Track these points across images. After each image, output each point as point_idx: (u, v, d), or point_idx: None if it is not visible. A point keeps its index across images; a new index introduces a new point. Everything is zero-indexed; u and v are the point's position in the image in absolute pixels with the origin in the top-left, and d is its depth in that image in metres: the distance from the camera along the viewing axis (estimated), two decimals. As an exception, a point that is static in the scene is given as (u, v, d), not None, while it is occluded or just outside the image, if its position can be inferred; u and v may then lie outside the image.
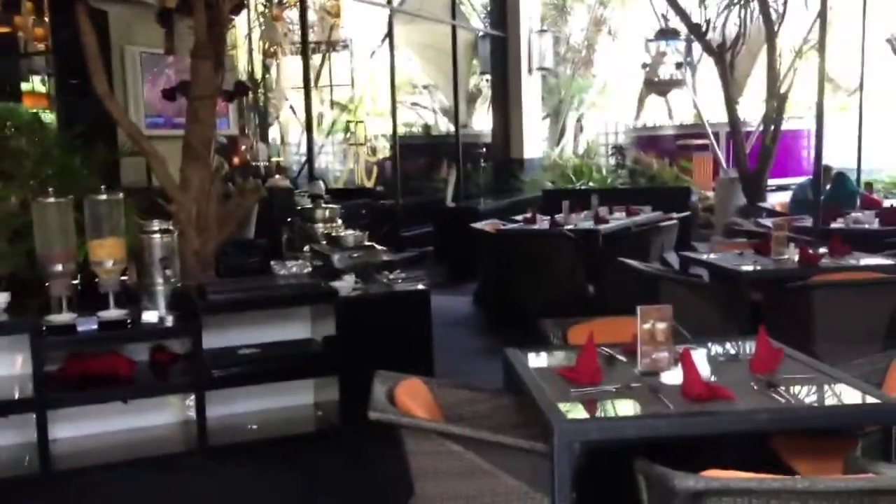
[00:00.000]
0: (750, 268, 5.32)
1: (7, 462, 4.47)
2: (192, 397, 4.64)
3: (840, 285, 4.90)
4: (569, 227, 8.01)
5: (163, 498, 4.16)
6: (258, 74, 13.30)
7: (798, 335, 4.89)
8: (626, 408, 2.68)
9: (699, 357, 2.87)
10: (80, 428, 4.74)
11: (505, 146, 13.01)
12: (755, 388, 2.78)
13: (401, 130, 15.53)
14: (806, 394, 2.75)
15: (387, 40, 11.51)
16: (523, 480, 2.69)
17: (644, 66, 12.39)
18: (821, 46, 6.51)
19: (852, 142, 14.88)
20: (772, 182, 12.04)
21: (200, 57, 4.89)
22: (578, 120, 17.38)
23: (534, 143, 13.31)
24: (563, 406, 2.64)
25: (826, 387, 2.81)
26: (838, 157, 14.60)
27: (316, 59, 14.66)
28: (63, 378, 4.53)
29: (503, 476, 2.69)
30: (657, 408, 2.63)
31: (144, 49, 7.77)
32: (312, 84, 14.82)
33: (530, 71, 12.84)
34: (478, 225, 8.50)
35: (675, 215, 8.95)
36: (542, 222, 8.36)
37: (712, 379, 2.82)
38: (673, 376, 2.85)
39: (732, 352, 3.23)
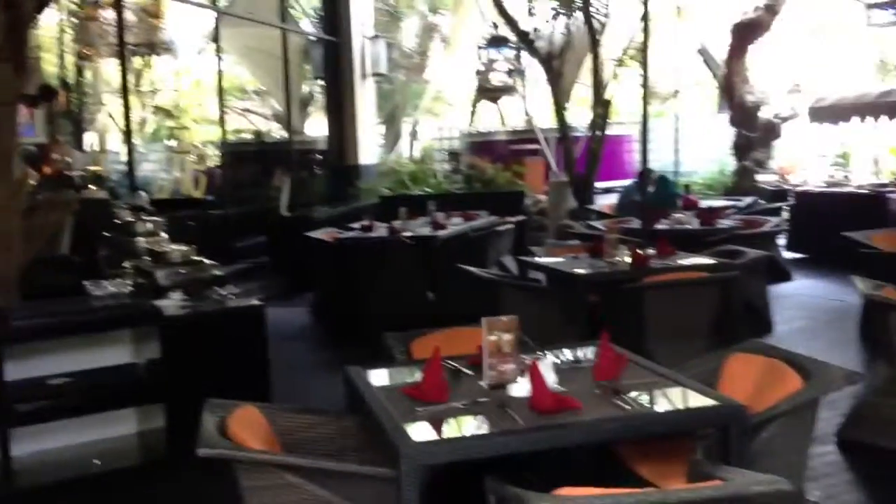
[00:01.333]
0: (586, 271, 5.40)
1: None
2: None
3: (669, 285, 5.06)
4: (407, 233, 7.92)
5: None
6: (71, 78, 12.38)
7: (631, 335, 5.01)
8: (475, 426, 2.57)
9: (545, 367, 2.81)
10: None
11: (340, 153, 12.79)
12: (600, 395, 2.75)
13: (231, 137, 14.96)
14: (649, 399, 2.75)
15: (213, 44, 11.01)
16: (370, 509, 2.53)
17: (476, 72, 12.54)
18: (643, 56, 6.75)
19: (669, 146, 15.78)
20: (599, 185, 12.50)
21: (-1, 60, 4.39)
22: (413, 126, 17.41)
23: (369, 149, 13.17)
24: (409, 427, 2.50)
25: (667, 391, 2.82)
26: (657, 160, 15.43)
27: (137, 63, 13.86)
28: None
29: (348, 506, 2.52)
30: (507, 423, 2.54)
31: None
32: (133, 88, 14.01)
33: (364, 77, 12.69)
34: (314, 234, 8.26)
35: (510, 219, 9.07)
36: (380, 229, 8.22)
37: (559, 388, 2.77)
38: (520, 388, 2.78)
39: (577, 358, 3.20)
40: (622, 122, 15.47)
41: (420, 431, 2.48)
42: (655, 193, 9.30)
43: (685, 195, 9.78)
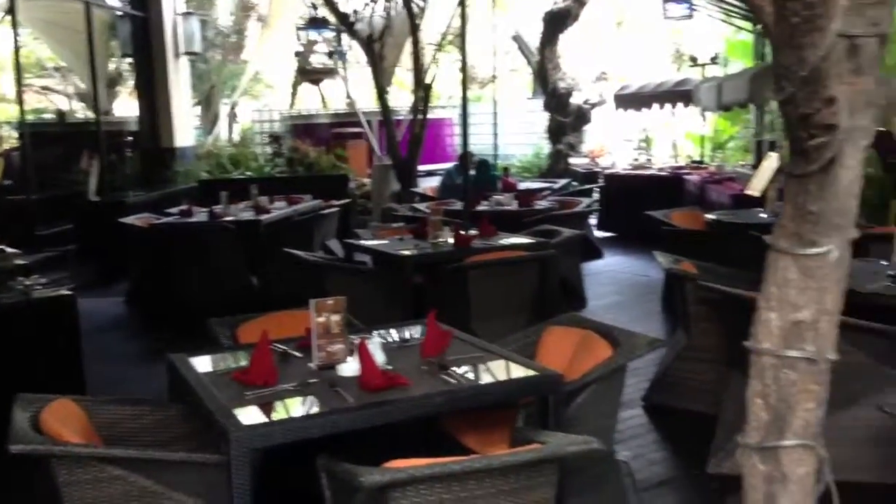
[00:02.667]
0: (410, 252, 5.50)
1: None
2: None
3: (491, 264, 5.25)
4: (229, 218, 7.72)
5: None
6: None
7: (457, 314, 5.18)
8: (306, 406, 2.58)
9: (374, 346, 2.86)
10: None
11: (153, 134, 12.19)
12: (428, 372, 2.84)
13: (30, 117, 13.89)
14: (473, 373, 2.87)
15: (9, 16, 10.17)
16: (199, 496, 2.49)
17: (296, 54, 12.33)
18: (462, 41, 6.91)
19: (488, 129, 16.25)
20: (422, 168, 12.68)
21: None
22: (232, 107, 16.90)
23: (185, 131, 12.64)
24: (237, 411, 2.48)
25: (490, 364, 2.95)
26: (476, 143, 15.86)
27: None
28: None
29: (176, 496, 2.47)
30: (337, 403, 2.57)
31: None
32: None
33: (176, 55, 12.15)
34: (128, 220, 7.88)
35: (335, 203, 9.04)
36: (200, 214, 7.96)
37: (388, 367, 2.84)
38: (350, 368, 2.82)
39: (404, 337, 3.27)
40: (444, 106, 15.76)
41: (249, 415, 2.47)
42: (476, 176, 9.58)
43: (504, 178, 10.12)
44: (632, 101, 11.71)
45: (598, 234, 10.77)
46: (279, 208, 8.42)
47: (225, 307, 4.28)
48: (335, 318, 2.90)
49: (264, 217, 7.82)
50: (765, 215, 6.62)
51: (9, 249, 4.82)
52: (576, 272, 7.38)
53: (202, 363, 3.02)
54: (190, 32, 11.98)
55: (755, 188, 7.59)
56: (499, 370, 2.90)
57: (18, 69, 10.11)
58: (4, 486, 3.59)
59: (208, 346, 3.43)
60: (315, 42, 12.24)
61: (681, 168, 11.47)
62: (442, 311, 5.19)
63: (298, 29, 12.44)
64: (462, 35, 6.92)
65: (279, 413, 2.52)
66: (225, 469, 2.34)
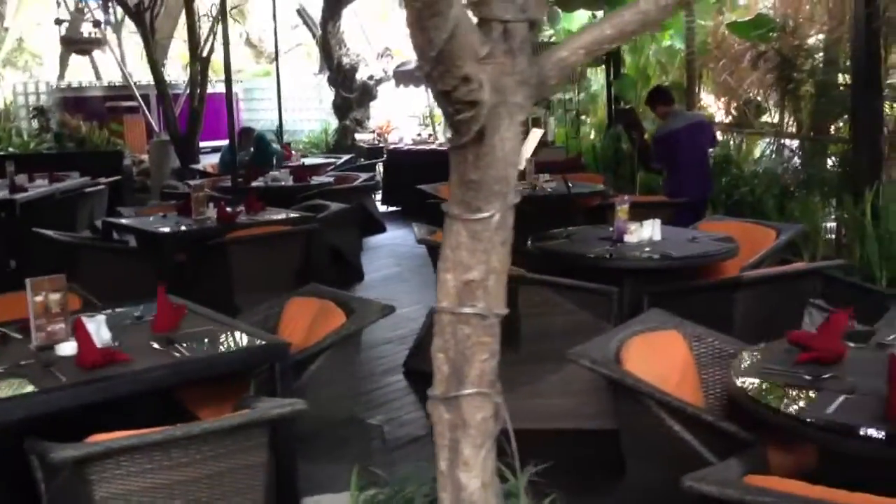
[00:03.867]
0: (171, 229, 5.38)
1: None
2: None
3: (251, 240, 5.25)
4: (-21, 197, 7.18)
5: None
6: None
7: (220, 290, 5.16)
8: (14, 388, 2.50)
9: (97, 323, 2.82)
10: None
11: None
12: (155, 347, 2.83)
13: None
14: (203, 345, 2.89)
15: None
16: None
17: (58, 21, 11.56)
18: (222, 14, 6.79)
19: (275, 104, 16.02)
20: (206, 144, 12.33)
21: None
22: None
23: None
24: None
25: (222, 336, 2.98)
26: (263, 119, 15.60)
27: None
28: None
29: None
30: (49, 382, 2.51)
31: None
32: None
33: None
34: None
35: (102, 180, 8.63)
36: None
37: (114, 344, 2.80)
38: (70, 347, 2.75)
39: (137, 315, 3.23)
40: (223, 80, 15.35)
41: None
42: (256, 152, 9.46)
43: (285, 154, 10.06)
44: (410, 77, 11.95)
45: (382, 208, 10.97)
46: (38, 186, 7.93)
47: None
48: (54, 296, 2.82)
49: (20, 196, 7.34)
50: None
51: None
52: (353, 246, 7.50)
53: None
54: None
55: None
56: (230, 341, 2.94)
57: None
58: None
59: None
60: (82, 11, 11.52)
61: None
62: (204, 286, 5.17)
63: (58, -4, 11.69)
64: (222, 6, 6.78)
65: (-15, 396, 2.43)
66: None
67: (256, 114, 16.36)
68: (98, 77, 15.22)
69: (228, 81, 7.12)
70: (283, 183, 8.10)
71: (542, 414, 3.82)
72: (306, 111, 16.52)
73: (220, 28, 7.12)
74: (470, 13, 1.74)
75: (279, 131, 11.77)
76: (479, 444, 2.08)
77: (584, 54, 1.92)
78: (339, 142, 13.42)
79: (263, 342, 2.86)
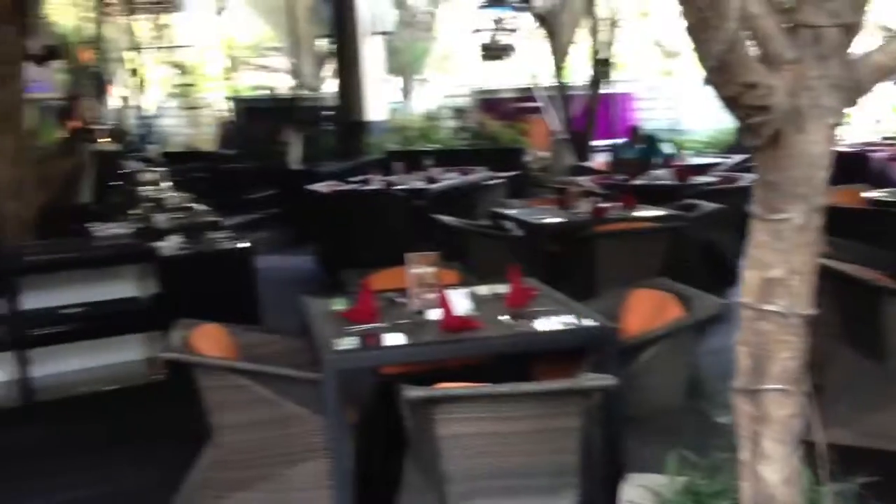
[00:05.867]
0: (546, 221, 5.87)
1: None
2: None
3: (617, 234, 5.52)
4: (401, 186, 8.41)
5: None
6: (93, 35, 12.92)
7: (586, 280, 5.52)
8: (391, 340, 3.10)
9: (459, 295, 3.33)
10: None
11: (349, 109, 13.25)
12: (504, 320, 3.27)
13: (247, 93, 15.47)
14: (544, 322, 3.24)
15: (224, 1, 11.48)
16: (305, 406, 3.08)
17: (477, 31, 12.89)
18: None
19: (673, 104, 16.03)
20: (600, 143, 12.86)
21: (2, 22, 4.90)
22: (423, 83, 17.79)
23: (377, 105, 13.61)
24: (335, 341, 3.04)
25: (563, 317, 3.31)
26: (663, 117, 15.69)
27: (155, 20, 14.35)
28: None
29: (287, 404, 3.07)
30: (418, 338, 3.07)
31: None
32: (152, 45, 14.54)
33: (370, 34, 13.09)
34: (315, 186, 8.77)
35: (502, 174, 9.51)
36: (377, 183, 8.72)
37: (473, 314, 3.29)
38: (437, 313, 3.30)
39: (497, 292, 3.69)
40: (627, 81, 15.73)
41: (343, 344, 3.02)
42: (643, 150, 9.70)
43: (673, 153, 10.15)
44: None
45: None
46: (449, 178, 9.02)
47: (393, 265, 4.80)
48: (428, 270, 3.40)
49: (432, 186, 8.44)
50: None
51: (202, 207, 5.72)
52: (730, 247, 7.39)
53: (325, 305, 3.61)
54: (382, 11, 12.83)
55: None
56: (566, 321, 3.26)
57: (232, 50, 11.37)
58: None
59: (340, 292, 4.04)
60: (500, 20, 12.72)
61: (873, 144, 10.88)
62: (573, 276, 5.57)
63: (480, 7, 12.98)
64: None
65: (366, 343, 3.05)
66: (321, 385, 2.91)
67: (654, 112, 16.51)
68: (508, 80, 16.57)
69: (621, 83, 7.42)
70: (664, 181, 8.23)
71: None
72: (705, 110, 16.24)
73: (617, 31, 7.51)
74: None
75: (674, 131, 11.84)
76: (782, 440, 2.12)
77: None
78: (738, 142, 13.04)
79: (596, 324, 3.13)
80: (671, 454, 2.59)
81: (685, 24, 1.72)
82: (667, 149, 10.10)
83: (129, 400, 4.93)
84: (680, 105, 15.74)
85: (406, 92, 17.33)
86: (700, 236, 6.18)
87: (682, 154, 10.39)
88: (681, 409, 3.51)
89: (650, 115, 16.24)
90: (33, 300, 4.89)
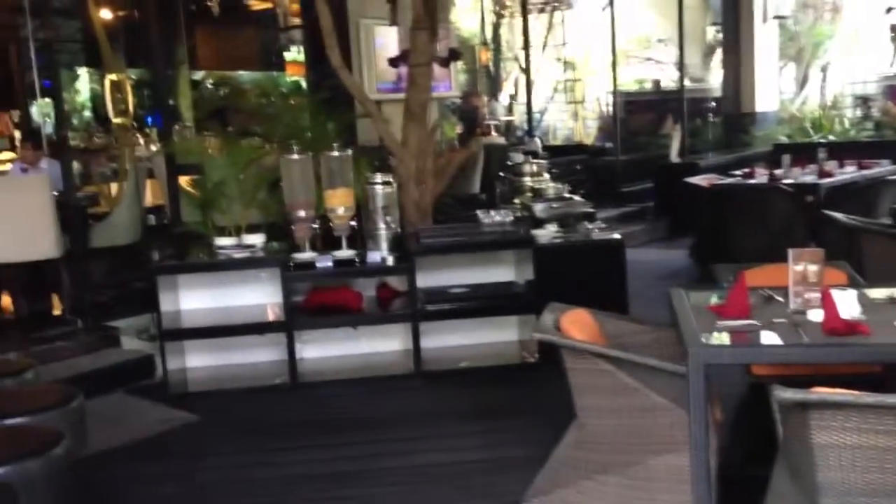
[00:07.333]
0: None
1: (264, 373, 5.46)
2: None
3: None
4: (788, 181, 7.87)
5: (384, 408, 4.92)
6: (489, 36, 13.92)
7: None
8: (764, 339, 2.92)
9: (846, 296, 3.04)
10: (321, 350, 5.65)
11: (736, 100, 12.68)
12: (899, 326, 2.91)
13: (631, 87, 15.54)
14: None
15: (613, -3, 11.64)
16: (668, 398, 3.05)
17: (888, 10, 11.51)
18: None
19: None
20: None
21: (417, 28, 5.50)
22: (822, 69, 16.34)
23: (767, 95, 12.83)
24: (704, 335, 2.95)
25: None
26: None
27: (546, 19, 15.03)
28: (306, 306, 5.42)
29: (650, 393, 3.07)
30: (793, 339, 2.86)
31: (376, 21, 8.42)
32: (543, 43, 15.25)
33: (764, 19, 12.35)
34: (693, 180, 8.56)
35: (910, 169, 8.45)
36: (761, 176, 8.26)
37: (861, 318, 2.98)
38: (819, 314, 3.04)
39: (893, 296, 3.30)
40: None
41: (712, 338, 2.92)
42: None
43: None
44: None
45: None
46: (846, 173, 8.24)
47: (769, 262, 4.54)
48: (813, 268, 3.14)
49: (824, 181, 7.78)
50: None
51: (578, 198, 5.90)
52: None
53: (693, 297, 3.52)
54: (780, -5, 12.06)
55: None
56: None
57: (615, 43, 11.51)
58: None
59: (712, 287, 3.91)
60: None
61: None
62: None
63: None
64: None
65: (737, 340, 2.92)
66: (686, 379, 2.85)
67: None
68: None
69: None
70: None
71: None
72: None
73: None
74: None
75: None
76: None
77: None
78: None
79: None
80: None
81: None
82: None
83: (501, 377, 5.26)
84: None
85: (801, 80, 16.11)
86: None
87: None
88: None
89: None
90: (427, 279, 5.45)
